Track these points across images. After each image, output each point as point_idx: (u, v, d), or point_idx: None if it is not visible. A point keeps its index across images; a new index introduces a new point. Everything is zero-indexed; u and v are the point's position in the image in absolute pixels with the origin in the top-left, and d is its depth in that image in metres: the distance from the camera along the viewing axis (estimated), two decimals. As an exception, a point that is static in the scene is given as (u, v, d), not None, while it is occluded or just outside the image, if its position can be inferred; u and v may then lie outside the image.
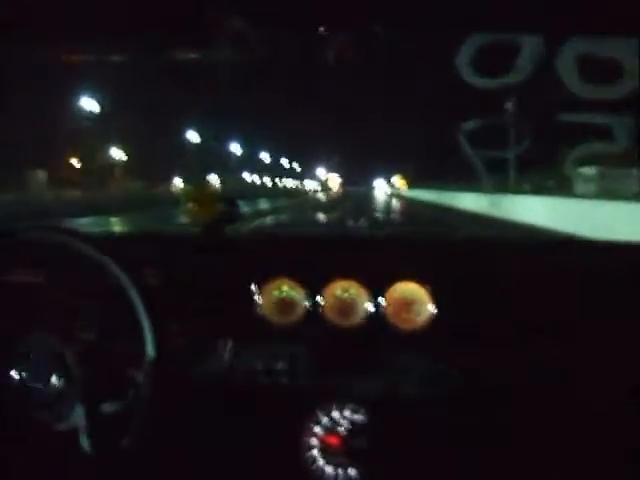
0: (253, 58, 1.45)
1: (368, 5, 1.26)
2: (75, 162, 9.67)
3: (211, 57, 1.54)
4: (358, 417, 1.13)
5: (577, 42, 1.40)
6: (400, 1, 1.26)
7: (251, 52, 1.39)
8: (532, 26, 1.33)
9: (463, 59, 1.47)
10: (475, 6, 1.22)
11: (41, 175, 10.64)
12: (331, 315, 1.21)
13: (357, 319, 1.21)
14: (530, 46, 1.43)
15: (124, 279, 0.96)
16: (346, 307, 1.22)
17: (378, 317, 1.20)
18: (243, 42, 1.34)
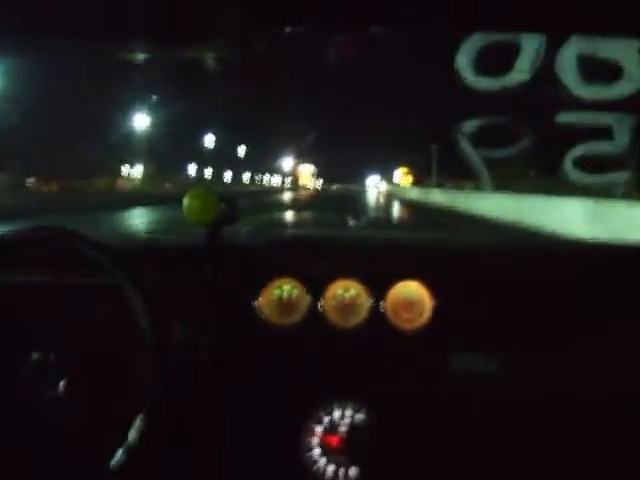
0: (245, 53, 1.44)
1: (368, 5, 1.26)
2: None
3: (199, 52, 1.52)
4: (359, 417, 1.13)
5: (577, 42, 1.40)
6: (400, 1, 1.26)
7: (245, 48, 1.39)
8: (532, 26, 1.33)
9: (463, 59, 1.47)
10: (475, 6, 1.22)
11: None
12: (332, 315, 1.21)
13: (358, 319, 1.21)
14: (530, 46, 1.43)
15: (123, 279, 0.96)
16: (347, 307, 1.22)
17: (379, 317, 1.20)
18: (242, 41, 1.34)
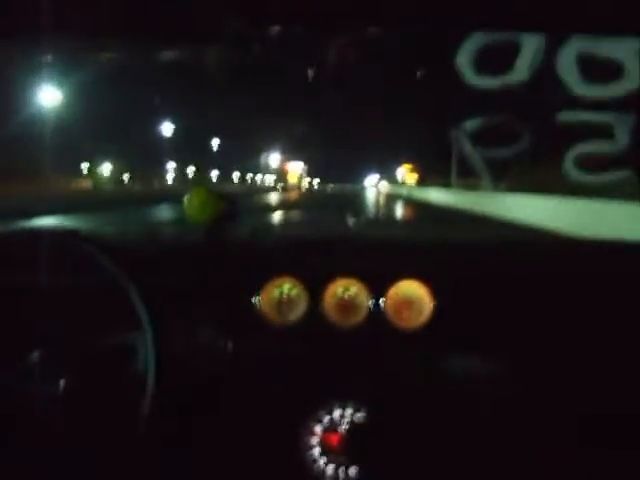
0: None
1: (368, 4, 1.26)
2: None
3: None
4: (359, 416, 1.14)
5: (577, 41, 1.40)
6: (400, 1, 1.26)
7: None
8: (532, 26, 1.33)
9: (463, 59, 1.47)
10: (475, 6, 1.22)
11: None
12: (332, 314, 1.21)
13: (358, 318, 1.21)
14: (530, 46, 1.44)
15: (124, 278, 0.97)
16: (347, 306, 1.22)
17: (379, 316, 1.20)
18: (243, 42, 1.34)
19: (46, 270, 1.10)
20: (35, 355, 0.96)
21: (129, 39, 1.35)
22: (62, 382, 0.94)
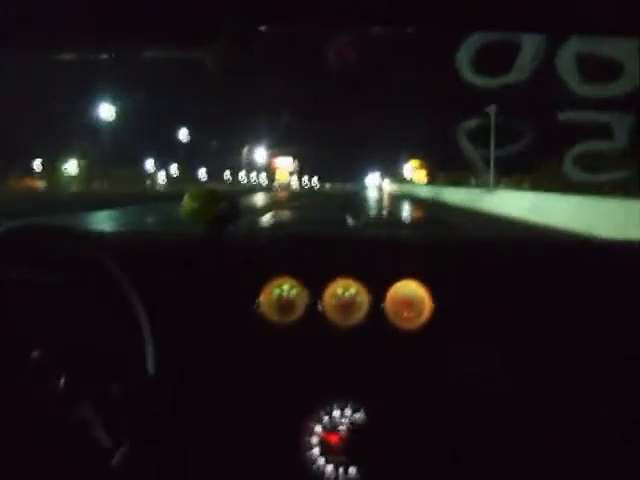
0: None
1: (368, 4, 1.26)
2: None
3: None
4: (358, 416, 1.14)
5: (577, 41, 1.40)
6: (400, 1, 1.26)
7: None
8: (532, 26, 1.33)
9: (463, 58, 1.47)
10: (475, 6, 1.22)
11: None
12: (331, 314, 1.21)
13: (357, 318, 1.21)
14: (530, 45, 1.44)
15: (123, 278, 0.97)
16: (346, 306, 1.22)
17: (378, 316, 1.20)
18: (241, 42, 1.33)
19: (45, 268, 1.10)
20: (35, 354, 0.96)
21: (123, 41, 1.35)
22: (62, 381, 0.95)
